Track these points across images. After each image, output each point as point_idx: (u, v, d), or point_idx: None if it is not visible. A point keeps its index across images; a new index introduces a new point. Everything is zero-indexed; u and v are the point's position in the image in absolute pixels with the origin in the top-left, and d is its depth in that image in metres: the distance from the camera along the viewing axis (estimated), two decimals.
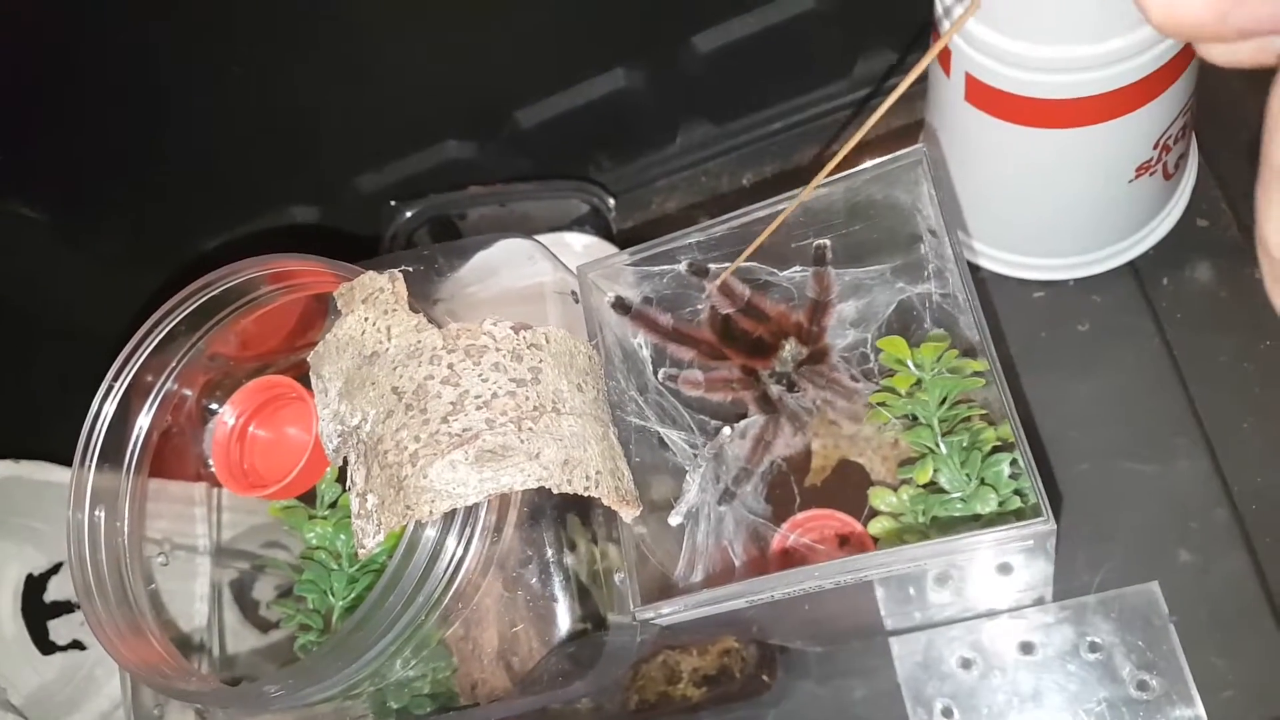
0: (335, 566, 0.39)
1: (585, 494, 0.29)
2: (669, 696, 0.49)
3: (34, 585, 0.53)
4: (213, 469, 0.43)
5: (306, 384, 0.41)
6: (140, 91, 0.57)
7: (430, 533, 0.29)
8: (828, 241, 0.38)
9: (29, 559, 0.52)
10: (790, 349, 0.41)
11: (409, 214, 0.60)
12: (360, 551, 0.29)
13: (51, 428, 0.52)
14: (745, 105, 0.66)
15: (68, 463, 0.54)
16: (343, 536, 0.39)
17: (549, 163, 0.65)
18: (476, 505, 0.30)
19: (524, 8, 0.56)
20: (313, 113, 0.61)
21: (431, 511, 0.27)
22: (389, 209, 0.62)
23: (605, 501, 0.30)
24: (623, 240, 0.63)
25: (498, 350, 0.29)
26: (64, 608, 0.54)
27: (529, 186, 0.61)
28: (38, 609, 0.53)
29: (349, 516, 0.40)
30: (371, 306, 0.30)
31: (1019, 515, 0.37)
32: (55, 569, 0.54)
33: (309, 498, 0.42)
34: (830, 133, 0.66)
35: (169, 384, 0.39)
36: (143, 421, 0.38)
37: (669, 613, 0.32)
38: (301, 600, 0.40)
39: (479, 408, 0.28)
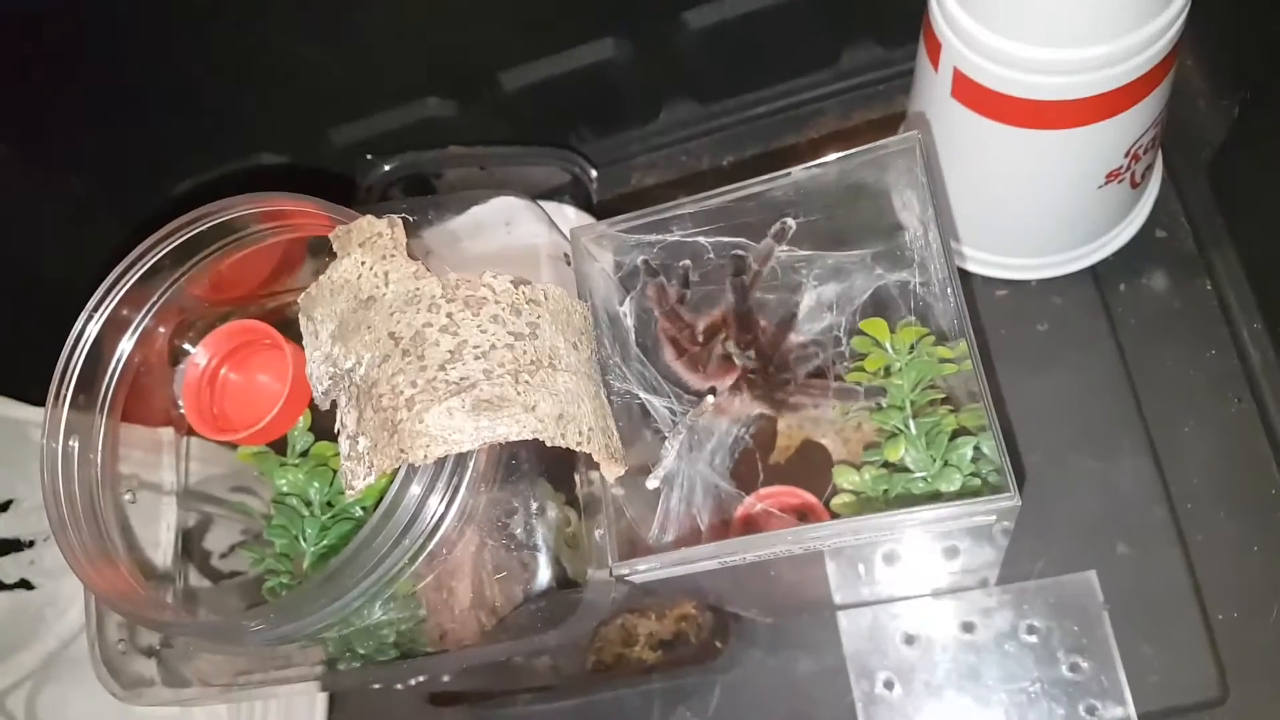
0: (306, 513, 0.39)
1: (577, 449, 0.30)
2: (625, 658, 0.51)
3: None
4: (182, 410, 0.42)
5: (281, 331, 0.41)
6: (113, 29, 0.56)
7: (415, 489, 0.30)
8: (792, 223, 0.39)
9: None
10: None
11: (386, 168, 0.59)
12: (349, 493, 0.30)
13: (8, 367, 0.52)
14: (731, 86, 0.67)
15: (21, 399, 0.54)
16: (315, 484, 0.39)
17: (530, 129, 0.65)
18: (462, 460, 0.30)
19: None
20: (290, 59, 0.60)
21: (426, 455, 0.28)
22: (365, 162, 0.62)
23: (595, 457, 0.31)
24: (602, 212, 0.64)
25: (497, 303, 0.30)
26: (13, 545, 0.53)
27: (510, 151, 0.62)
28: None
29: (321, 464, 0.40)
30: (369, 251, 0.30)
31: (978, 495, 0.39)
32: (4, 506, 0.53)
33: (279, 445, 0.42)
34: (812, 120, 0.68)
35: (147, 320, 0.38)
36: (121, 352, 0.37)
37: (645, 569, 0.33)
38: (269, 545, 0.40)
39: (477, 358, 0.29)
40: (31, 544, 0.53)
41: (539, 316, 0.30)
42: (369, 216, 0.31)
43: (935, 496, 0.40)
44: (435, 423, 0.28)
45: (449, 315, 0.29)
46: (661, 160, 0.70)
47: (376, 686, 0.44)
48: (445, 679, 0.41)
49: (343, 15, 0.57)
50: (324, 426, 0.40)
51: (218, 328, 0.42)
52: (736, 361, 0.41)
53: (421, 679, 0.40)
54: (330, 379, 0.31)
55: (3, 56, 0.56)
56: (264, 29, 0.58)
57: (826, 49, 0.65)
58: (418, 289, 0.29)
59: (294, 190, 0.58)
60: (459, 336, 0.29)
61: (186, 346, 0.42)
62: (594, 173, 0.62)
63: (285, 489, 0.40)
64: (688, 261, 0.42)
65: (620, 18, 0.60)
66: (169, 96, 0.61)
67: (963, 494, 0.39)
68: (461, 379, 0.28)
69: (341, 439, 0.30)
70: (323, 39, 0.59)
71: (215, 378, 0.42)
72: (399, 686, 0.42)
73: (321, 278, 0.32)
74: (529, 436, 0.29)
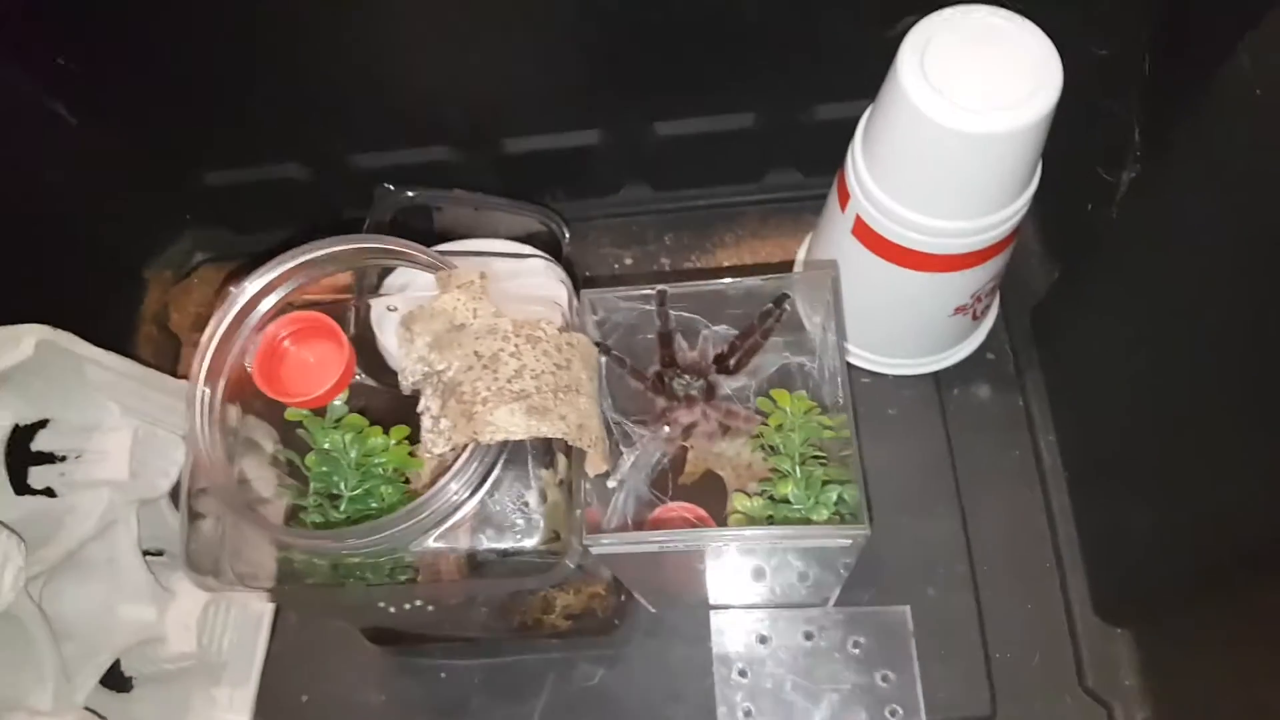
0: (345, 465, 0.50)
1: (588, 449, 0.44)
2: (542, 622, 0.62)
3: (20, 434, 0.58)
4: (250, 370, 0.52)
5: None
6: (177, 18, 0.63)
7: (461, 480, 0.42)
8: (788, 307, 0.52)
9: (18, 411, 0.58)
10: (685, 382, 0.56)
11: (409, 194, 0.71)
12: (426, 455, 0.42)
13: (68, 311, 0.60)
14: (678, 181, 0.81)
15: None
16: (355, 445, 0.50)
17: (516, 183, 0.77)
18: (493, 456, 0.43)
19: (539, 59, 0.69)
20: (333, 91, 0.70)
21: (491, 438, 0.41)
22: (381, 188, 0.73)
23: (594, 455, 0.44)
24: (567, 262, 0.77)
25: (547, 342, 0.43)
26: (46, 458, 0.60)
27: (501, 201, 0.74)
28: (22, 456, 0.59)
29: (356, 430, 0.52)
30: (464, 292, 0.43)
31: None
32: (42, 424, 0.60)
33: (318, 414, 0.52)
34: (737, 219, 0.82)
35: (267, 305, 0.48)
36: (249, 324, 0.48)
37: (608, 543, 0.47)
38: (305, 486, 0.50)
39: (532, 378, 0.42)
40: (63, 459, 0.60)
41: (573, 355, 0.44)
42: (467, 267, 0.44)
43: (807, 523, 0.55)
44: (500, 418, 0.41)
45: (516, 346, 0.42)
46: (615, 226, 0.83)
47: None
48: (429, 608, 0.53)
49: (386, 61, 0.67)
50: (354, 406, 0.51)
51: (291, 312, 0.52)
52: (678, 390, 0.54)
53: (416, 604, 0.52)
54: (422, 375, 0.43)
55: (79, 32, 0.64)
56: (317, 63, 0.67)
57: (755, 167, 0.80)
58: (496, 324, 0.42)
59: (314, 202, 0.69)
60: (522, 361, 0.42)
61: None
62: (567, 232, 0.76)
63: (327, 446, 0.51)
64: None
65: (608, 116, 0.73)
66: (221, 98, 0.70)
67: (829, 522, 0.54)
68: (521, 390, 0.41)
69: (425, 418, 0.43)
70: (364, 81, 0.68)
71: (279, 350, 0.51)
72: (392, 609, 0.53)
73: (425, 304, 0.44)
74: (560, 436, 0.42)
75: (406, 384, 0.45)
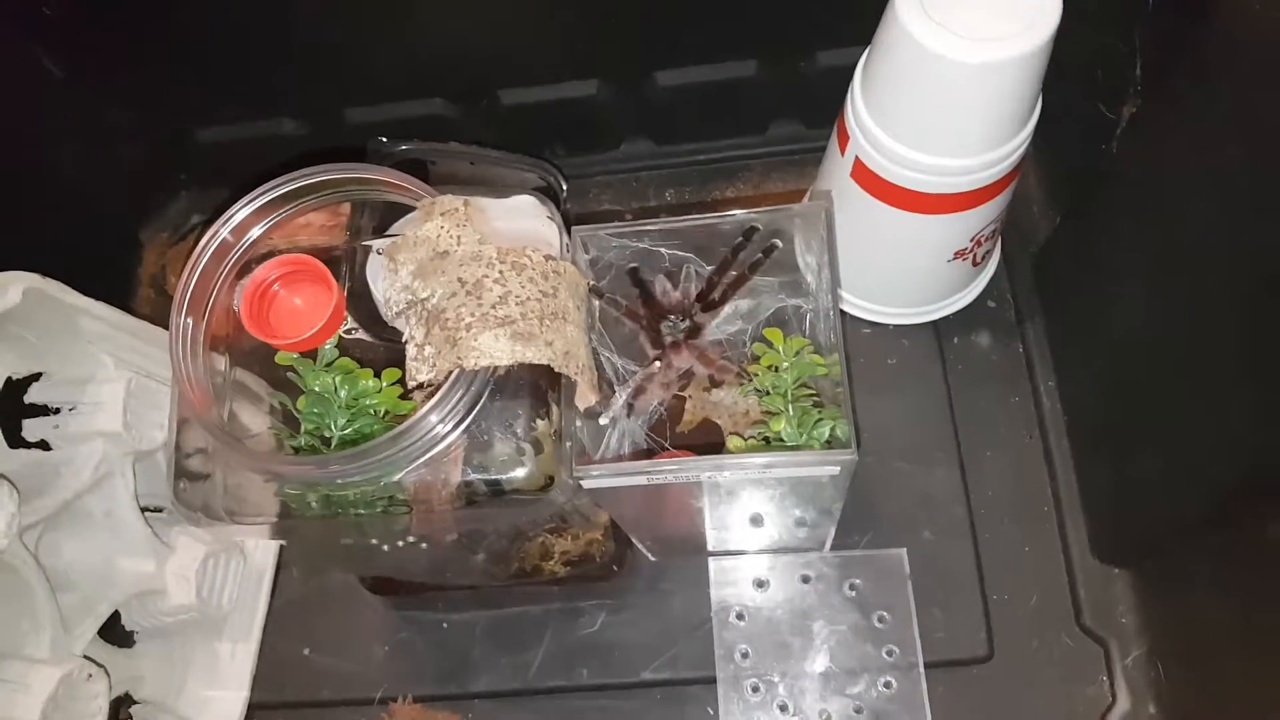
0: (336, 406, 0.50)
1: (574, 376, 0.43)
2: (540, 569, 0.62)
3: (13, 388, 0.59)
4: (238, 312, 0.52)
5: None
6: None
7: (445, 408, 0.42)
8: (779, 243, 0.51)
9: (10, 364, 0.58)
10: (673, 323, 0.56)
11: (403, 147, 0.70)
12: (411, 382, 0.42)
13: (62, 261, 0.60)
14: (681, 135, 0.80)
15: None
16: (345, 387, 0.50)
17: (514, 138, 0.76)
18: (479, 384, 0.43)
19: (535, 7, 0.68)
20: (327, 43, 0.70)
21: (475, 363, 0.40)
22: (376, 141, 0.73)
23: (581, 385, 0.44)
24: (566, 217, 0.76)
25: (533, 269, 0.43)
26: (40, 410, 0.60)
27: (499, 154, 0.73)
28: (15, 409, 0.59)
29: (346, 373, 0.52)
30: (448, 219, 0.43)
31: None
32: (35, 377, 0.60)
33: (308, 357, 0.52)
34: (739, 174, 0.82)
35: (248, 241, 0.48)
36: (230, 260, 0.47)
37: (596, 475, 0.46)
38: (295, 429, 0.51)
39: (517, 304, 0.41)
40: (58, 411, 0.60)
41: (559, 283, 0.43)
42: (450, 195, 0.44)
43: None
44: (485, 343, 0.40)
45: (500, 272, 0.42)
46: (616, 183, 0.82)
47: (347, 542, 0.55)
48: (421, 545, 0.53)
49: (382, 16, 0.67)
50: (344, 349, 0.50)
51: (277, 255, 0.52)
52: (664, 332, 0.54)
53: (410, 540, 0.52)
54: (406, 303, 0.43)
55: None
56: (313, 14, 0.67)
57: (758, 119, 0.80)
58: (480, 251, 0.42)
59: (311, 156, 0.69)
60: (506, 287, 0.42)
61: (250, 265, 0.52)
62: (565, 185, 0.75)
63: (318, 388, 0.51)
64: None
65: (608, 65, 0.73)
66: (213, 51, 0.69)
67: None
68: (505, 316, 0.41)
69: (409, 346, 0.43)
70: (359, 33, 0.68)
71: (268, 293, 0.52)
72: (385, 547, 0.53)
73: (407, 232, 0.44)
74: (544, 362, 0.42)
75: (390, 314, 0.44)
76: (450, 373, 0.42)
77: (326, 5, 0.67)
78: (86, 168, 0.73)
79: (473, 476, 0.46)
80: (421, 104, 0.75)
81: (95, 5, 0.66)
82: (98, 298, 0.61)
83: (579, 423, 0.49)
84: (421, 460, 0.44)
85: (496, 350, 0.41)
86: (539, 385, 0.47)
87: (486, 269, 0.42)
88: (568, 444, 0.46)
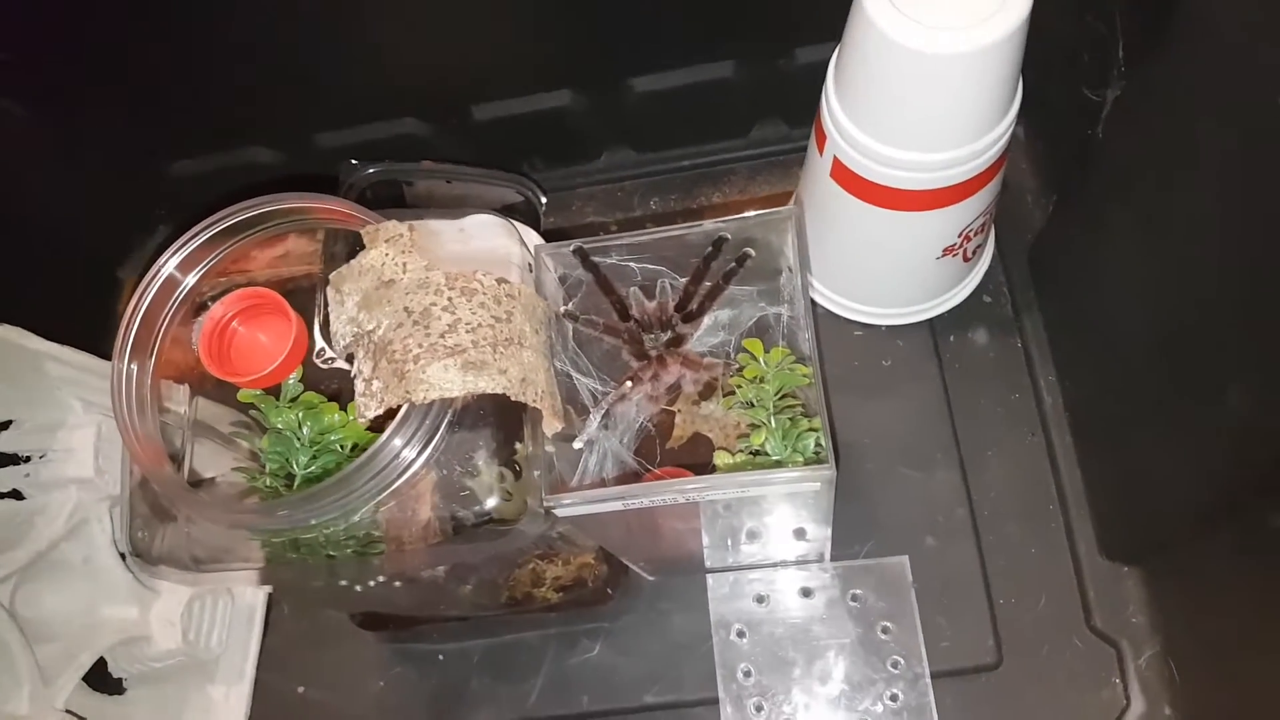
0: (298, 444, 0.49)
1: (532, 404, 0.41)
2: (533, 596, 0.61)
3: None
4: (197, 351, 0.50)
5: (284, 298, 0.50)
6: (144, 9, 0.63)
7: (396, 442, 0.41)
8: (751, 252, 0.49)
9: None
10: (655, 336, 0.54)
11: (370, 170, 0.69)
12: (360, 420, 0.40)
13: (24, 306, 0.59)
14: (662, 142, 0.79)
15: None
16: (309, 424, 0.49)
17: (491, 153, 0.75)
18: (436, 425, 0.41)
19: (499, 20, 0.66)
20: (294, 69, 0.68)
21: (425, 397, 0.39)
22: (348, 165, 0.71)
23: (544, 412, 0.42)
24: (547, 231, 0.75)
25: (484, 294, 0.41)
26: (10, 460, 0.60)
27: (474, 171, 0.72)
28: None
29: (310, 408, 0.50)
30: (392, 246, 0.41)
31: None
32: (4, 425, 0.59)
33: (273, 393, 0.51)
34: (725, 178, 0.80)
35: (194, 278, 0.47)
36: (177, 298, 0.46)
37: (568, 503, 0.45)
38: (261, 468, 0.49)
39: (468, 331, 0.40)
40: (28, 459, 0.60)
41: (514, 307, 0.42)
42: (394, 221, 0.42)
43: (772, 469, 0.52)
44: (434, 375, 0.39)
45: (449, 299, 0.40)
46: (599, 194, 0.80)
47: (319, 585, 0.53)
48: (397, 585, 0.51)
49: (345, 38, 0.66)
50: (312, 381, 0.49)
51: (234, 290, 0.51)
52: (646, 345, 0.52)
53: (380, 579, 0.50)
54: (353, 336, 0.41)
55: (36, 22, 0.62)
56: (275, 39, 0.65)
57: (740, 121, 0.78)
58: (427, 277, 0.40)
59: (280, 183, 0.68)
60: (456, 315, 0.40)
61: (208, 302, 0.51)
62: (544, 199, 0.73)
63: (280, 425, 0.49)
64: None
65: (580, 74, 0.71)
66: (179, 83, 0.68)
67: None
68: (455, 345, 0.39)
69: (358, 381, 0.41)
70: (324, 56, 0.67)
71: (226, 330, 0.50)
72: (358, 588, 0.51)
73: (352, 262, 0.42)
74: (500, 391, 0.40)
75: (339, 348, 0.43)
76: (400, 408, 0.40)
77: (289, 32, 0.66)
78: (58, 208, 0.72)
79: (444, 510, 0.45)
80: (393, 124, 0.74)
81: (52, 44, 0.65)
82: (77, 338, 0.60)
83: (551, 448, 0.47)
84: (379, 499, 0.42)
85: (446, 382, 0.39)
86: (511, 408, 0.45)
87: (434, 296, 0.40)
88: (536, 472, 0.44)
